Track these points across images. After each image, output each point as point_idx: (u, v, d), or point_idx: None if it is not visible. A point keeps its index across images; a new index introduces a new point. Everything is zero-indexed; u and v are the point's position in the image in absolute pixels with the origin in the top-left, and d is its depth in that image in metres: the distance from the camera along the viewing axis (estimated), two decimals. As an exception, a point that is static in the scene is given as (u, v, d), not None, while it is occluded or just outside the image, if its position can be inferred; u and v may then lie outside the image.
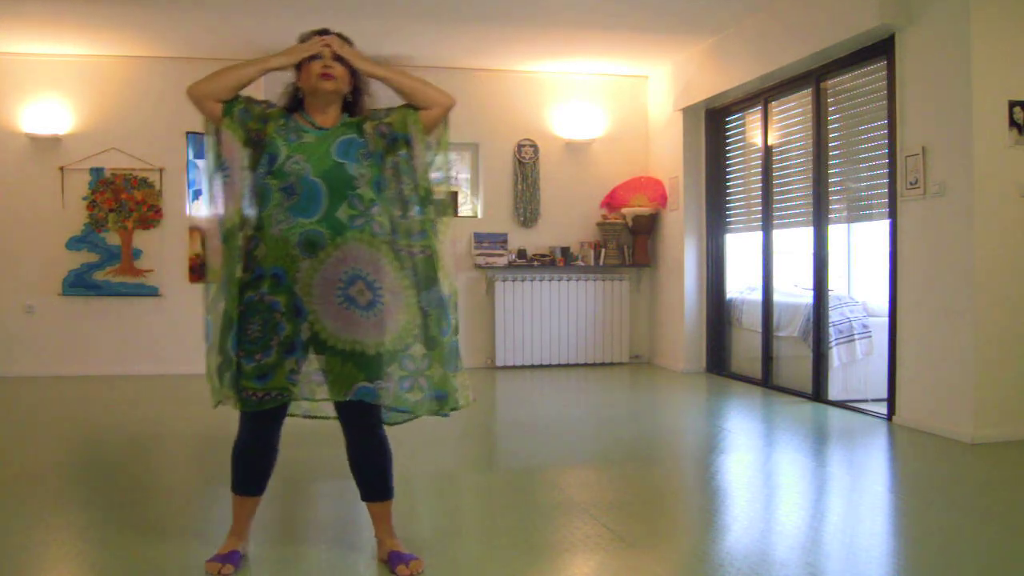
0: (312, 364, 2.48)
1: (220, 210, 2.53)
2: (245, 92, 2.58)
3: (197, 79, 2.54)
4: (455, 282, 2.64)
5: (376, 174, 2.54)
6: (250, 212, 2.49)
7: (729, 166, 6.91)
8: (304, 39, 2.63)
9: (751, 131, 6.55)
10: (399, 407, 2.53)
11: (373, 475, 2.59)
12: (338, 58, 2.56)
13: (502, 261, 7.32)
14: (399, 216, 2.57)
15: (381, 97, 2.71)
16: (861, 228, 6.27)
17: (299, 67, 2.60)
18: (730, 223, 6.92)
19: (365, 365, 2.43)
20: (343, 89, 2.59)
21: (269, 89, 6.19)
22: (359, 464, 2.60)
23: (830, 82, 5.51)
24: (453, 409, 2.55)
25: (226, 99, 2.52)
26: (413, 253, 2.55)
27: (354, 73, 2.60)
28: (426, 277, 2.55)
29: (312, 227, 2.43)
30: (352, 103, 2.63)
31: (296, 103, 2.63)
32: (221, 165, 2.53)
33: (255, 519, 2.69)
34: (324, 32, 2.63)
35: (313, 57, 2.56)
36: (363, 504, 2.63)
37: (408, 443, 4.44)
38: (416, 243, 2.57)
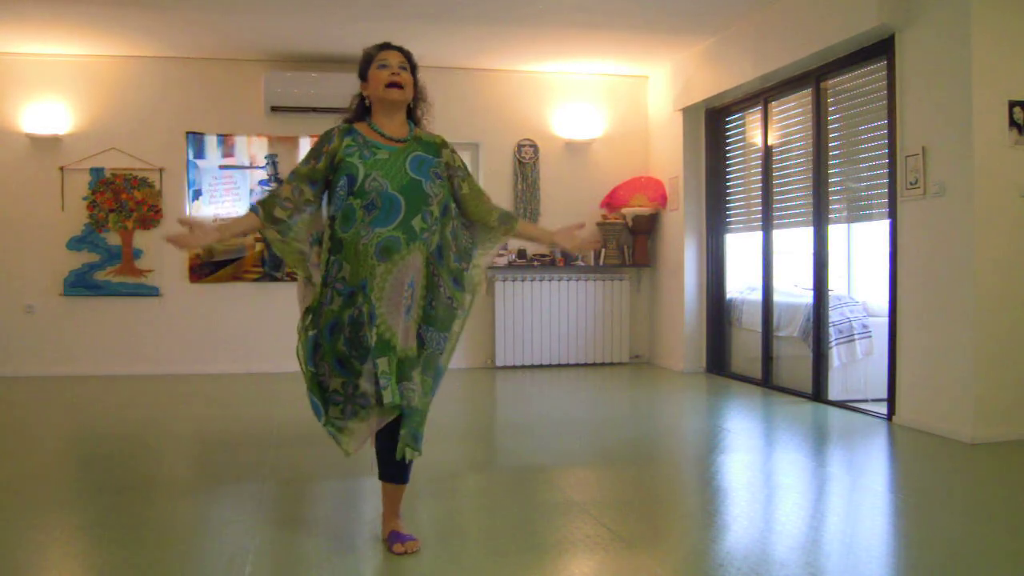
0: (379, 367, 2.57)
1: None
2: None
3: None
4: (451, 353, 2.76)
5: (447, 196, 2.72)
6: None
7: (729, 166, 6.91)
8: (369, 54, 2.72)
9: (751, 131, 6.55)
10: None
11: (394, 461, 2.66)
12: (402, 67, 2.67)
13: (502, 261, 7.32)
14: (451, 254, 2.73)
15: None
16: (861, 228, 6.28)
17: (365, 77, 2.71)
18: (730, 223, 6.92)
19: (408, 366, 2.61)
20: (410, 97, 2.71)
21: (269, 88, 6.15)
22: (386, 449, 2.67)
23: (830, 82, 5.51)
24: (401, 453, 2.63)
25: (260, 228, 2.64)
26: (441, 286, 2.69)
27: (416, 80, 2.74)
28: (440, 319, 2.69)
29: (389, 234, 2.57)
30: (412, 108, 2.77)
31: (363, 111, 2.74)
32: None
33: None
34: (387, 46, 2.72)
35: (382, 65, 2.66)
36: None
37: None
38: (449, 283, 2.71)
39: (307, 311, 2.66)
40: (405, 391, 2.58)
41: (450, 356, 2.75)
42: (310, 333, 2.63)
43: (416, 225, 2.60)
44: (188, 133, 6.95)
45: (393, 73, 2.64)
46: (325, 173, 2.64)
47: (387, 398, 2.54)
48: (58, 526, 3.00)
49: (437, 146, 2.75)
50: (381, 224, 2.56)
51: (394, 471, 2.69)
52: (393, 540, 2.67)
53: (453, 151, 2.80)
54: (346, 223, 2.59)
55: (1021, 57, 4.34)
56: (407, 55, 2.73)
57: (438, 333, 2.69)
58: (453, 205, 2.77)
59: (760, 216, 6.32)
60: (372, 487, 3.61)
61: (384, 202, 2.56)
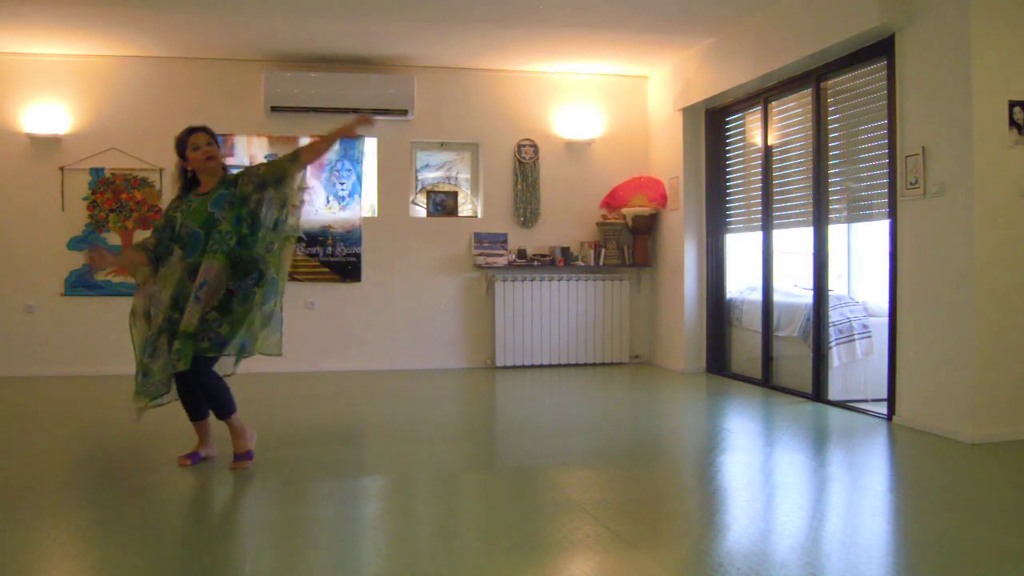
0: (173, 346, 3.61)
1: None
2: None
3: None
4: (285, 278, 3.84)
5: (236, 211, 3.64)
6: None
7: (729, 166, 6.91)
8: (182, 139, 3.77)
9: (751, 131, 6.55)
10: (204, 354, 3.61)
11: (214, 403, 3.75)
12: (209, 143, 3.75)
13: (502, 261, 7.32)
14: (258, 233, 3.68)
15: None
16: (861, 228, 6.27)
17: (184, 156, 3.75)
18: (730, 223, 6.92)
19: (190, 337, 3.54)
20: (221, 162, 3.79)
21: (268, 88, 6.22)
22: (203, 399, 3.78)
23: (830, 82, 5.51)
24: (248, 354, 3.72)
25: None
26: (257, 258, 3.68)
27: (219, 145, 3.83)
28: (245, 272, 3.63)
29: (194, 260, 3.60)
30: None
31: (190, 180, 3.79)
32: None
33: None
34: (195, 129, 3.78)
35: (195, 147, 3.72)
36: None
37: (410, 442, 4.45)
38: (266, 252, 3.71)
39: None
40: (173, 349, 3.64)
41: (274, 300, 3.77)
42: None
43: (208, 245, 3.58)
44: (188, 133, 6.95)
45: (207, 151, 3.72)
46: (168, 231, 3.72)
47: (179, 367, 3.65)
48: (58, 526, 3.00)
49: (233, 179, 3.72)
50: (190, 256, 3.62)
51: (221, 410, 3.75)
52: (236, 459, 3.74)
53: (245, 170, 3.76)
54: (165, 258, 3.71)
55: (1021, 57, 4.34)
56: (209, 132, 3.78)
57: (240, 282, 3.64)
58: (259, 195, 3.66)
59: (760, 216, 6.32)
60: (372, 487, 3.62)
61: (191, 239, 3.61)
